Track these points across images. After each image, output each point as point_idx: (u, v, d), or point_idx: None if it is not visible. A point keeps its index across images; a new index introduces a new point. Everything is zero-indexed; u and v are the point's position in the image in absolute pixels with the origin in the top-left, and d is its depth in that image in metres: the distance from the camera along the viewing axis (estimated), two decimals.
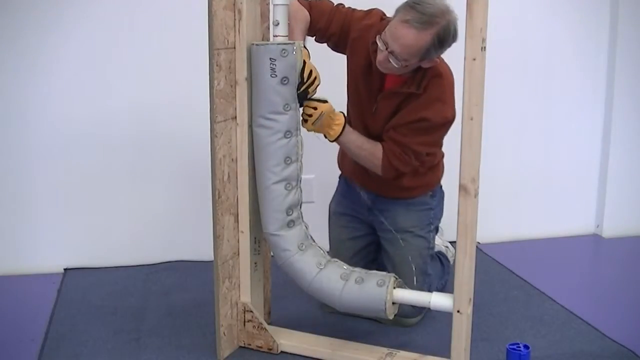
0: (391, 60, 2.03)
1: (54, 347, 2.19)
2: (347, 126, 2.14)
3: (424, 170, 2.32)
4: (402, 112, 2.16)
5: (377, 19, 2.20)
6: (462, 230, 1.82)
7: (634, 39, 3.13)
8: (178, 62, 2.75)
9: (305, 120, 2.07)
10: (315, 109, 2.06)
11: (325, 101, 2.07)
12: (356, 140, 2.18)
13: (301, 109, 2.06)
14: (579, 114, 3.23)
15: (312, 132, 2.12)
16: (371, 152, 2.18)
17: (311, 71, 1.98)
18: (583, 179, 3.30)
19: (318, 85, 2.02)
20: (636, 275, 2.84)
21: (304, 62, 1.97)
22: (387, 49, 2.03)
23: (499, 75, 2.72)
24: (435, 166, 2.38)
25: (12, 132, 2.72)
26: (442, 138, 2.26)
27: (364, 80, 2.22)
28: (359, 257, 2.40)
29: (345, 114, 2.20)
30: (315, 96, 2.05)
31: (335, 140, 2.14)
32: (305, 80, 1.98)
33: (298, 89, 1.98)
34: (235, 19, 2.00)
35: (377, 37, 2.07)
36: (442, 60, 2.16)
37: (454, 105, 2.15)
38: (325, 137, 2.15)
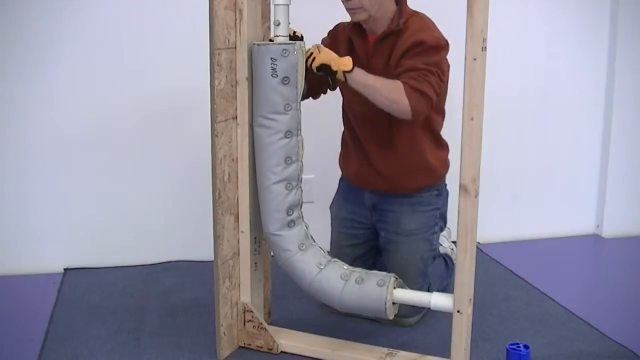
0: None
1: (54, 347, 2.19)
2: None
3: (430, 141, 2.31)
4: (394, 52, 2.18)
5: (338, 24, 2.36)
6: (462, 230, 1.82)
7: (634, 39, 3.13)
8: (178, 62, 2.75)
9: (313, 59, 2.01)
10: (308, 50, 2.03)
11: None
12: (370, 75, 2.07)
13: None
14: (579, 114, 3.23)
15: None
16: (392, 82, 2.08)
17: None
18: (583, 179, 3.30)
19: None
20: (636, 275, 2.84)
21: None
22: None
23: (500, 76, 2.72)
24: (440, 148, 2.37)
25: (12, 131, 2.72)
26: (444, 64, 2.18)
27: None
28: (359, 263, 2.38)
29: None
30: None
31: (353, 68, 2.02)
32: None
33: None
34: (236, 19, 2.00)
35: None
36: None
37: (441, 35, 2.19)
38: (344, 75, 2.02)
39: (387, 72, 2.18)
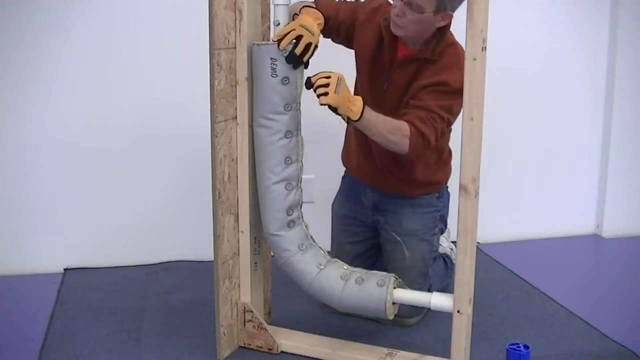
0: (406, 12, 2.04)
1: (54, 347, 2.19)
2: (366, 106, 1.99)
3: (435, 159, 2.30)
4: (418, 80, 2.13)
5: (384, 1, 2.25)
6: (462, 230, 1.82)
7: (634, 39, 3.13)
8: (178, 62, 2.75)
9: (324, 94, 1.88)
10: (328, 77, 1.90)
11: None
12: (378, 116, 2.01)
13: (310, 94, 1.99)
14: (579, 114, 3.24)
15: (332, 113, 1.95)
16: (397, 125, 2.03)
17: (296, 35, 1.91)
18: (583, 179, 3.30)
19: (310, 46, 1.93)
20: (636, 275, 2.84)
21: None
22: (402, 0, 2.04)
23: (500, 75, 2.72)
24: (444, 162, 2.37)
25: (13, 132, 2.72)
26: (458, 109, 2.05)
27: (375, 58, 2.21)
28: (359, 261, 2.39)
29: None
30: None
31: (360, 118, 1.96)
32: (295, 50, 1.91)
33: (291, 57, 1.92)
34: (236, 19, 2.00)
35: None
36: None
37: None
38: (348, 119, 1.97)
39: (405, 93, 2.16)
